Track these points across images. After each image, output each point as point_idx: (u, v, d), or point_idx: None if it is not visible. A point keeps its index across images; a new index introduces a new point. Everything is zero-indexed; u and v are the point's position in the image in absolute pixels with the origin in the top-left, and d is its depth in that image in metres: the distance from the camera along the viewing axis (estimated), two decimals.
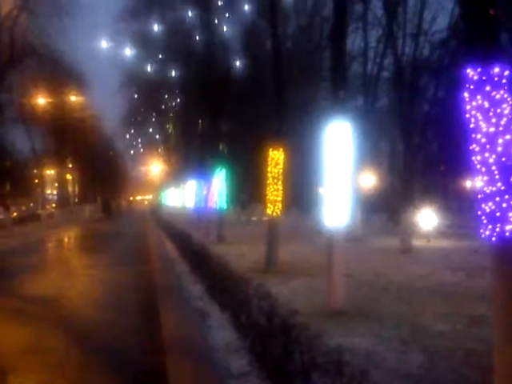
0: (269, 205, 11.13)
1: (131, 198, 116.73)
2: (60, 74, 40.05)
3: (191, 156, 33.12)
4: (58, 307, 8.75)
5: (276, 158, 10.92)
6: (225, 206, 18.75)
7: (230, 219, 25.86)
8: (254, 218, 30.94)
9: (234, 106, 25.65)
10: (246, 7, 23.57)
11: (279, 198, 11.06)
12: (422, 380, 4.73)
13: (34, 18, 34.05)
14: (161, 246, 17.97)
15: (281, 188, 11.05)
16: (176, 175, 41.98)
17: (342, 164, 6.99)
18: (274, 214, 11.20)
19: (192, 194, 27.57)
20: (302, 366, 4.12)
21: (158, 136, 49.69)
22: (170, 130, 43.76)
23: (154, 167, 56.78)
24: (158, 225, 30.07)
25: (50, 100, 42.63)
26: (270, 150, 10.96)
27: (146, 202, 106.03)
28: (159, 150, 52.54)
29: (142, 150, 57.39)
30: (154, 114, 43.62)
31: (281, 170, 11.01)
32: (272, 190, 11.01)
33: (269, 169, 11.04)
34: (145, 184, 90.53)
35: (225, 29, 23.40)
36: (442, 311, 7.28)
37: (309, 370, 4.04)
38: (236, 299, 6.41)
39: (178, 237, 16.60)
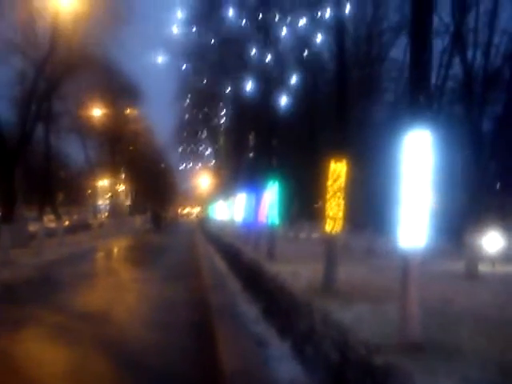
0: (328, 221, 10.37)
1: (179, 211, 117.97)
2: (115, 85, 40.65)
3: (242, 169, 32.76)
4: (104, 324, 8.27)
5: (338, 171, 10.17)
6: (276, 221, 18.01)
7: (278, 235, 25.17)
8: (302, 235, 30.08)
9: (288, 121, 25.11)
10: (303, 21, 23.02)
11: (340, 214, 10.29)
12: None
13: (91, 29, 34.52)
14: (210, 260, 17.49)
15: (342, 203, 10.29)
16: (225, 188, 41.77)
17: (420, 177, 6.21)
18: (334, 231, 10.44)
19: (241, 207, 26.98)
20: None
21: (208, 149, 49.80)
22: (220, 143, 43.69)
23: (203, 180, 56.87)
24: (206, 238, 29.69)
25: (104, 111, 43.33)
26: (332, 162, 10.22)
27: (194, 215, 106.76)
28: (209, 164, 52.62)
29: (192, 163, 57.74)
30: (205, 128, 43.72)
31: (342, 184, 10.25)
32: (333, 205, 10.26)
33: (329, 182, 10.29)
34: (193, 197, 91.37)
35: (280, 43, 23.00)
36: None
37: None
38: (298, 326, 5.71)
39: (226, 251, 16.08)
